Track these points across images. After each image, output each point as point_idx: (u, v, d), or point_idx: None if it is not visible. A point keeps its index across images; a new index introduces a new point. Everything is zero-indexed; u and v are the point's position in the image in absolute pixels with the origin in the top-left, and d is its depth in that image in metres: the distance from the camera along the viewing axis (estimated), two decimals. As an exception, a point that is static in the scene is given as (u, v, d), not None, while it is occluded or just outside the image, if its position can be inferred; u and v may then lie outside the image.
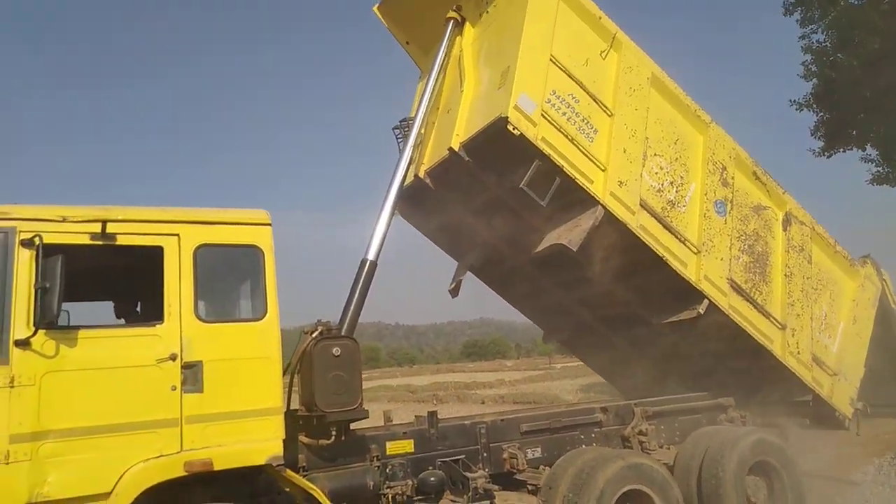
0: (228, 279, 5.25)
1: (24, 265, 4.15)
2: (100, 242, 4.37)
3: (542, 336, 9.14)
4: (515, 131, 5.72)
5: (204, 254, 4.68)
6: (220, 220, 4.83)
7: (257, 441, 4.57)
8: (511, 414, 6.84)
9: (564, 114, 6.12)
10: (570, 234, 6.12)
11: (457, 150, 6.32)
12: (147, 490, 4.19)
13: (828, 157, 17.32)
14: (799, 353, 7.15)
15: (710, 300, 6.60)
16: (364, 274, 5.90)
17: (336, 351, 5.13)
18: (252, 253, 4.87)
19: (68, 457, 4.05)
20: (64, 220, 4.33)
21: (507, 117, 5.69)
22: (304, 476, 5.02)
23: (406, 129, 6.94)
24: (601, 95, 6.36)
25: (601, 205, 6.12)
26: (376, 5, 7.75)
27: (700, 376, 7.47)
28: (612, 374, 9.21)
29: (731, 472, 6.11)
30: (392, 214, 6.28)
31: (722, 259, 6.81)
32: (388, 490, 5.40)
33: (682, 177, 6.77)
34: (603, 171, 6.24)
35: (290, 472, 4.73)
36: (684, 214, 6.71)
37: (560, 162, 6.00)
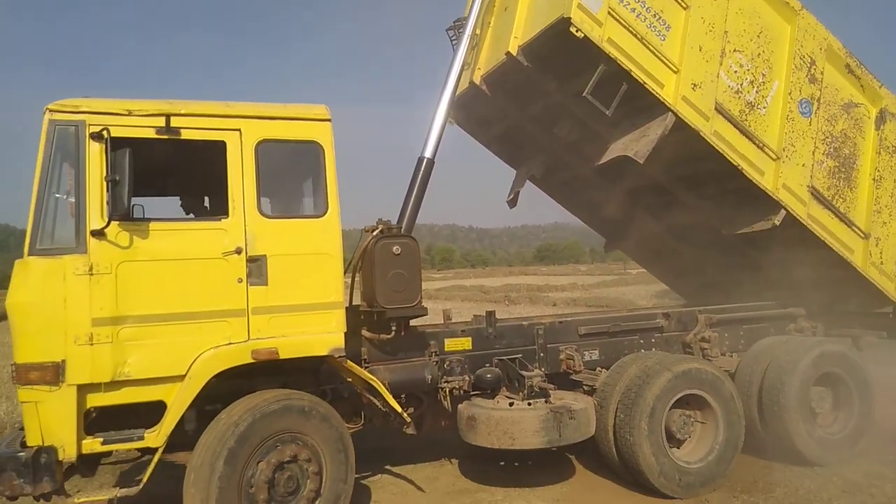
0: (290, 175, 5.31)
1: (94, 158, 4.28)
2: (164, 136, 4.44)
3: (604, 244, 8.88)
4: (579, 33, 5.31)
5: (265, 149, 4.70)
6: (280, 116, 4.81)
7: (320, 333, 4.75)
8: (570, 316, 6.84)
9: (634, 9, 5.63)
10: (636, 144, 5.80)
11: (515, 54, 5.95)
12: (219, 375, 4.44)
13: None
14: (882, 263, 6.75)
15: (787, 210, 6.22)
16: (421, 172, 5.81)
17: (396, 249, 5.17)
18: (312, 149, 4.86)
19: (146, 341, 4.31)
20: (130, 114, 4.40)
21: (570, 17, 5.27)
22: (366, 368, 5.22)
23: (460, 29, 6.53)
24: None
25: (672, 111, 5.72)
26: None
27: (771, 285, 7.17)
28: (677, 282, 9.01)
29: (795, 382, 5.97)
30: (448, 113, 6.07)
31: (804, 165, 6.34)
32: (446, 384, 5.57)
33: (763, 74, 6.22)
34: (675, 72, 5.78)
35: (351, 364, 4.91)
36: (764, 117, 6.19)
37: (628, 65, 5.59)
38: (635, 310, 7.51)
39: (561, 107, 6.51)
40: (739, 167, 6.06)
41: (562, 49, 5.53)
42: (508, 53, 5.98)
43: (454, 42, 6.54)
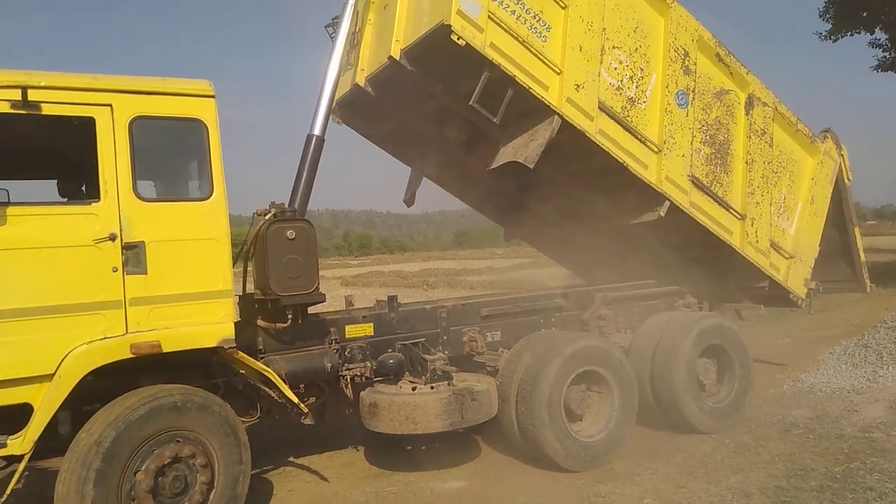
0: (170, 156, 4.97)
1: None
2: (22, 111, 4.00)
3: (503, 234, 8.99)
4: (460, 41, 5.20)
5: (141, 126, 4.35)
6: (157, 91, 4.45)
7: (208, 324, 4.47)
8: (472, 298, 6.83)
9: (514, 12, 5.57)
10: (525, 148, 5.77)
11: (397, 58, 5.82)
12: (97, 373, 4.10)
13: (834, 40, 16.94)
14: (758, 241, 7.17)
15: (671, 201, 6.46)
16: (311, 150, 5.61)
17: (290, 234, 4.97)
18: (195, 127, 4.55)
19: (8, 338, 3.92)
20: None
21: (451, 25, 5.15)
22: (262, 359, 4.99)
23: (337, 27, 6.29)
24: None
25: (557, 114, 5.73)
26: None
27: (660, 265, 7.50)
28: (575, 264, 9.25)
29: (683, 354, 6.25)
30: (333, 91, 5.89)
31: (683, 156, 6.55)
32: (347, 372, 5.42)
33: (641, 69, 6.36)
34: (558, 74, 5.79)
35: (242, 355, 4.66)
36: (645, 111, 6.36)
37: (512, 71, 5.54)
38: (535, 290, 7.60)
39: (449, 108, 6.42)
40: (625, 164, 6.19)
41: (445, 53, 5.42)
42: (391, 57, 5.85)
43: (333, 38, 6.26)
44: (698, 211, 6.72)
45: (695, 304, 7.38)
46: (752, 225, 7.08)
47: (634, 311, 7.03)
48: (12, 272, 3.96)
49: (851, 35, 16.70)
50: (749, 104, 7.05)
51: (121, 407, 4.13)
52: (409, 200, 7.76)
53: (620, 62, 6.20)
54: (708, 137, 6.84)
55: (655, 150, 6.39)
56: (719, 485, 4.97)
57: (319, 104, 5.76)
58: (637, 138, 6.29)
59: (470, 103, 5.50)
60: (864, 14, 16.09)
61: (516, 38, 5.58)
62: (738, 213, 7.01)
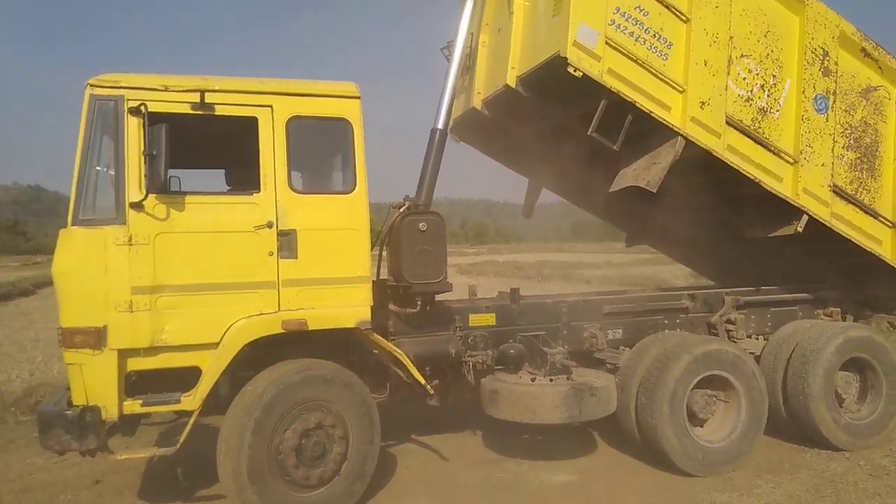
0: (320, 152, 5.43)
1: (133, 132, 4.44)
2: (199, 112, 4.58)
3: (626, 239, 8.77)
4: (577, 73, 5.15)
5: (296, 125, 4.81)
6: (310, 92, 4.90)
7: (347, 306, 4.88)
8: (595, 295, 6.86)
9: (632, 34, 5.42)
10: (647, 172, 5.63)
11: (513, 86, 5.86)
12: (251, 344, 4.62)
13: None
14: None
15: (809, 215, 6.09)
16: (435, 144, 5.83)
17: (422, 226, 5.27)
18: (342, 126, 4.95)
19: (182, 309, 4.50)
20: (166, 90, 4.54)
21: (567, 57, 5.10)
22: (392, 341, 5.34)
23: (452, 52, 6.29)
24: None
25: (681, 135, 5.55)
26: None
27: (800, 272, 7.08)
28: (703, 268, 8.96)
29: (819, 371, 5.92)
30: (455, 85, 6.05)
31: (823, 164, 6.14)
32: (470, 358, 5.68)
33: (774, 75, 5.99)
34: (681, 92, 5.60)
35: (376, 336, 5.06)
36: (778, 121, 6.00)
37: (632, 96, 5.42)
38: (660, 290, 7.46)
39: (566, 127, 6.37)
40: (757, 179, 5.90)
41: (562, 81, 5.35)
42: (507, 85, 5.89)
43: (449, 59, 6.29)
44: (841, 222, 6.31)
45: (837, 314, 6.94)
46: None
47: (768, 316, 6.76)
48: (187, 252, 4.55)
49: None
50: None
51: (282, 370, 4.69)
52: (528, 213, 7.82)
53: (750, 71, 5.90)
54: (852, 141, 6.37)
55: (791, 161, 6.05)
56: (849, 508, 4.75)
57: (442, 100, 5.96)
58: (770, 150, 5.98)
59: (589, 133, 5.46)
60: None
61: (635, 61, 5.45)
62: (889, 220, 6.53)
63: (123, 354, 4.40)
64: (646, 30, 5.50)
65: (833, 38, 6.18)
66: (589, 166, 6.86)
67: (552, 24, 5.41)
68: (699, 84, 5.65)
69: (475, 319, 5.85)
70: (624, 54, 5.42)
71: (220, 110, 4.64)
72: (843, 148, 6.31)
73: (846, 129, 6.33)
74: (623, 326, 6.28)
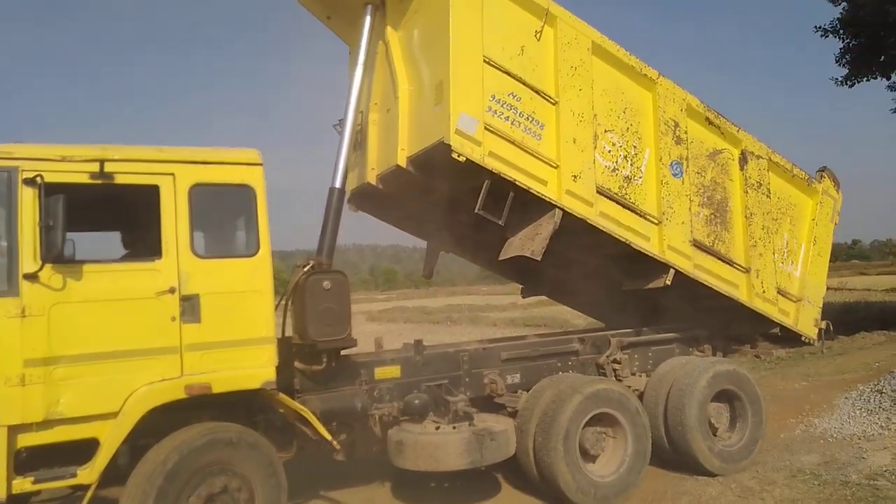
0: (223, 217, 5.50)
1: (27, 203, 4.36)
2: (99, 181, 4.58)
3: (521, 291, 9.23)
4: (461, 158, 5.58)
5: (198, 193, 4.90)
6: (212, 160, 5.02)
7: (252, 367, 4.93)
8: (492, 343, 7.23)
9: (508, 118, 5.91)
10: (531, 242, 6.09)
11: (404, 166, 6.25)
12: (152, 411, 4.58)
13: (850, 85, 17.24)
14: (764, 291, 7.43)
15: (675, 269, 6.71)
16: (334, 202, 6.07)
17: (326, 284, 5.45)
18: (245, 192, 5.09)
19: (79, 380, 4.41)
20: (63, 160, 4.53)
21: (450, 144, 5.52)
22: (298, 398, 5.42)
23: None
24: (542, 84, 6.14)
25: (558, 207, 6.07)
26: None
27: (676, 314, 7.71)
28: (592, 312, 9.60)
29: (693, 403, 6.49)
30: (350, 148, 6.33)
31: (683, 222, 6.84)
32: (376, 411, 5.83)
33: (634, 146, 6.69)
34: (555, 168, 6.13)
35: (282, 396, 5.14)
36: (641, 186, 6.68)
37: (512, 175, 5.89)
38: (553, 334, 7.95)
39: (457, 199, 6.69)
40: (627, 241, 6.50)
41: (448, 163, 5.71)
42: (397, 165, 6.26)
43: (341, 134, 6.53)
44: (703, 272, 7.00)
45: (708, 350, 7.68)
46: (757, 276, 7.35)
47: (649, 355, 7.34)
48: (86, 321, 4.49)
49: (868, 80, 16.92)
50: (743, 159, 7.38)
51: (186, 435, 4.65)
52: (429, 274, 8.19)
53: (614, 144, 6.54)
54: (706, 199, 7.14)
55: (655, 221, 6.70)
56: (720, 529, 5.24)
57: (337, 164, 6.22)
58: (637, 213, 6.61)
59: (476, 210, 5.85)
60: (881, 59, 16.35)
61: (512, 143, 5.92)
62: (742, 266, 7.30)
63: (13, 430, 4.24)
64: (519, 113, 5.99)
65: (681, 110, 6.94)
66: (480, 230, 7.15)
67: (434, 113, 5.79)
68: (570, 159, 6.18)
69: (381, 372, 6.01)
70: (502, 137, 5.87)
71: (120, 179, 4.66)
72: (698, 206, 7.04)
73: (700, 189, 7.10)
74: (520, 371, 6.62)
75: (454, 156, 5.57)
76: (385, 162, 6.66)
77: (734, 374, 6.92)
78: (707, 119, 7.21)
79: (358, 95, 6.51)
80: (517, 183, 5.94)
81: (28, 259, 4.36)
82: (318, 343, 5.38)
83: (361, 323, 23.22)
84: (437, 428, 5.74)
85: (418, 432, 5.72)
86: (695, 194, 7.03)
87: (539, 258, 5.99)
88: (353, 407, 5.65)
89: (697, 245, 6.98)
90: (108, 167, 4.59)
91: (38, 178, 4.34)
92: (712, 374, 6.71)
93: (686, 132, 6.97)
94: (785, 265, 7.74)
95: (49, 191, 4.32)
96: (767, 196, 7.56)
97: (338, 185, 6.14)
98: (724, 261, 7.20)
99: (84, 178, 4.56)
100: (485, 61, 5.80)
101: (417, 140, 6.12)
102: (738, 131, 7.38)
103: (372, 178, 6.92)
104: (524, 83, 6.04)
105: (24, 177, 4.38)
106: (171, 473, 4.48)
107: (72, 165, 4.54)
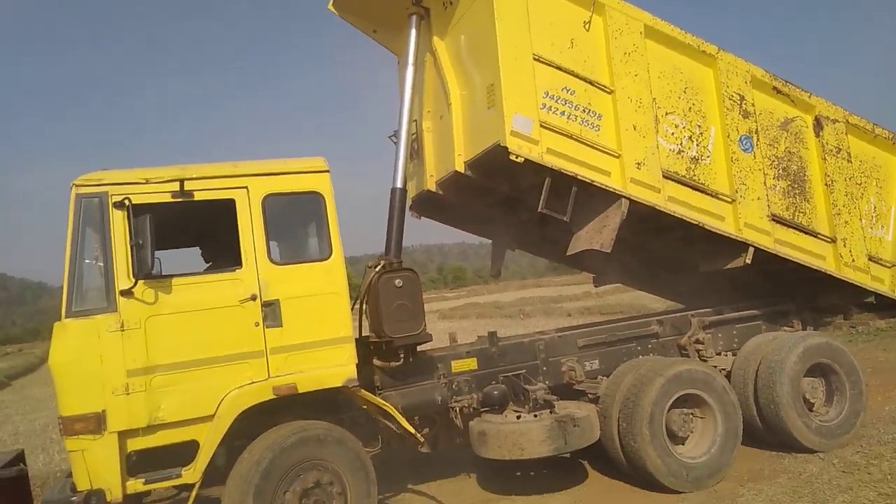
0: (296, 224, 5.75)
1: (118, 225, 4.73)
2: (180, 199, 4.89)
3: (593, 280, 9.10)
4: (518, 159, 5.56)
5: (271, 202, 5.15)
6: (282, 171, 5.27)
7: (333, 366, 5.13)
8: (568, 330, 7.17)
9: (563, 112, 5.84)
10: (599, 235, 6.01)
11: (462, 171, 6.29)
12: (245, 412, 4.83)
13: None
14: (854, 260, 7.07)
15: (754, 247, 6.46)
16: (396, 202, 6.15)
17: (398, 282, 5.58)
18: (314, 199, 5.31)
19: (176, 387, 4.71)
20: (147, 182, 4.86)
21: (507, 147, 5.52)
22: (379, 394, 5.59)
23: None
24: (596, 75, 6.04)
25: (624, 196, 5.96)
26: (330, 2, 7.15)
27: (757, 289, 7.45)
28: (670, 296, 9.35)
29: (785, 379, 6.26)
30: (407, 152, 6.37)
31: (759, 198, 6.57)
32: (456, 404, 5.93)
33: (699, 126, 6.47)
34: (617, 157, 6.03)
35: (364, 392, 5.30)
36: (710, 166, 6.46)
37: (572, 170, 5.82)
38: (631, 317, 7.80)
39: (519, 200, 6.72)
40: (700, 223, 6.31)
41: (506, 164, 5.71)
42: (455, 171, 6.30)
43: (397, 145, 6.51)
44: (785, 246, 6.72)
45: (799, 326, 7.35)
46: (844, 245, 7.00)
47: (734, 333, 7.11)
48: (178, 331, 4.80)
49: None
50: (818, 125, 7.03)
51: (276, 434, 4.89)
52: (497, 273, 8.18)
53: (676, 126, 6.35)
54: (781, 171, 6.82)
55: (729, 200, 6.49)
56: (825, 504, 5.02)
57: (397, 161, 6.28)
58: (708, 194, 6.42)
59: (539, 209, 5.81)
60: None
61: (570, 137, 5.86)
62: (827, 237, 6.97)
63: (123, 436, 4.58)
64: (575, 107, 5.93)
65: (746, 82, 6.68)
66: (545, 225, 7.17)
67: (488, 115, 5.80)
68: (632, 147, 6.06)
69: (457, 365, 6.10)
70: (559, 133, 5.82)
71: (199, 196, 4.96)
72: (774, 179, 6.74)
73: (773, 162, 6.79)
74: (599, 357, 6.57)
75: (512, 157, 5.56)
76: (443, 168, 6.73)
77: (827, 347, 6.61)
78: (775, 88, 6.91)
79: (410, 102, 6.51)
80: (579, 177, 5.89)
81: (123, 277, 4.70)
82: (395, 339, 5.51)
83: (434, 321, 23.39)
84: (519, 417, 5.77)
85: (500, 422, 5.77)
86: (769, 167, 6.76)
87: (609, 250, 5.90)
88: (433, 400, 5.75)
89: (777, 219, 6.70)
90: (187, 185, 4.90)
91: (126, 201, 4.67)
92: (803, 349, 6.44)
93: (753, 104, 6.70)
94: (874, 230, 7.32)
95: (136, 212, 4.65)
96: (848, 160, 7.18)
97: (398, 184, 6.24)
98: (807, 232, 6.89)
99: (166, 198, 4.88)
100: (535, 59, 5.76)
101: (474, 144, 6.14)
102: (809, 97, 7.06)
103: (431, 185, 7.01)
104: (577, 76, 5.97)
105: (113, 200, 4.72)
106: (266, 472, 4.72)
107: (154, 186, 4.87)
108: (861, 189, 7.28)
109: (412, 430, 5.43)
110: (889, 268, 7.32)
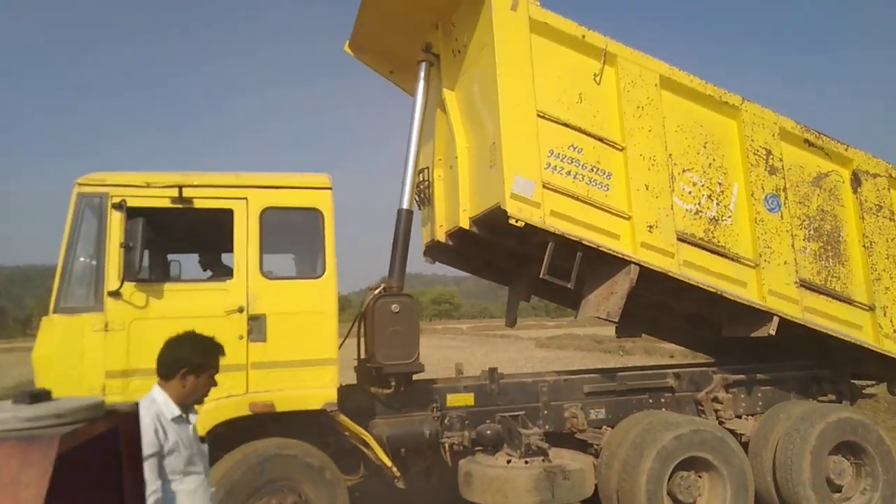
0: (291, 239, 5.69)
1: (115, 226, 4.77)
2: (178, 206, 4.90)
3: (616, 331, 8.41)
4: (518, 223, 5.22)
5: (269, 216, 5.11)
6: (284, 185, 5.23)
7: (314, 388, 4.98)
8: (575, 374, 6.81)
9: (569, 172, 5.45)
10: (607, 303, 5.61)
11: (467, 227, 6.04)
12: (226, 424, 4.70)
13: None
14: (895, 331, 6.41)
15: (780, 316, 5.87)
16: (402, 223, 5.97)
17: (395, 307, 5.40)
18: (313, 215, 5.23)
19: None
20: (148, 186, 4.89)
21: (506, 210, 5.20)
22: (370, 422, 5.38)
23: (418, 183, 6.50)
24: (606, 131, 5.62)
25: (633, 262, 5.50)
26: (346, 43, 7.02)
27: (796, 349, 6.78)
28: (695, 348, 8.74)
29: (807, 450, 5.74)
30: (416, 165, 6.16)
31: (786, 262, 5.98)
32: (446, 439, 5.65)
33: (720, 183, 5.93)
34: (627, 219, 5.58)
35: (343, 418, 5.08)
36: (732, 226, 5.91)
37: (577, 234, 5.41)
38: (645, 367, 7.31)
39: (527, 255, 6.39)
40: (718, 290, 5.79)
41: (510, 224, 5.36)
42: (461, 227, 6.07)
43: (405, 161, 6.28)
44: (815, 315, 6.11)
45: (833, 397, 6.73)
46: (884, 314, 6.34)
47: (759, 396, 6.56)
48: (161, 337, 4.71)
49: None
50: (855, 181, 6.42)
51: (251, 448, 4.75)
52: (511, 323, 7.86)
53: (694, 184, 5.86)
54: (812, 231, 6.19)
55: (752, 265, 5.93)
56: None
57: (404, 182, 6.06)
58: (728, 258, 5.89)
59: (541, 276, 5.45)
60: None
61: (576, 199, 5.48)
62: (864, 304, 6.34)
63: (94, 439, 4.55)
64: (582, 165, 5.54)
65: (773, 135, 6.13)
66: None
67: (491, 174, 5.51)
68: (644, 208, 5.61)
69: (453, 399, 5.83)
70: (564, 194, 5.45)
71: (198, 203, 4.97)
72: (803, 241, 6.16)
73: (804, 221, 6.21)
74: (605, 406, 6.14)
75: (511, 221, 5.23)
76: (451, 220, 6.47)
77: (854, 423, 6.01)
78: (806, 141, 6.29)
79: (416, 148, 6.23)
80: (584, 241, 5.48)
81: (112, 278, 4.71)
82: (385, 366, 5.32)
83: (529, 349, 22.75)
84: (509, 461, 5.46)
85: (487, 464, 5.47)
86: (798, 228, 6.18)
87: (616, 320, 5.53)
88: (420, 433, 5.50)
89: (806, 285, 6.10)
90: (187, 192, 4.91)
91: (123, 203, 4.69)
92: (825, 424, 5.88)
93: (781, 159, 6.13)
94: None
95: (131, 214, 4.67)
96: (891, 219, 6.53)
97: (405, 205, 6.07)
98: (840, 300, 6.27)
99: (165, 203, 4.90)
100: (539, 116, 5.42)
101: (478, 201, 5.87)
102: (846, 149, 6.46)
103: (441, 235, 6.71)
104: (585, 132, 5.59)
105: (112, 202, 4.76)
106: (231, 490, 4.56)
107: (154, 191, 4.90)
108: None
109: (388, 461, 5.19)
110: None
